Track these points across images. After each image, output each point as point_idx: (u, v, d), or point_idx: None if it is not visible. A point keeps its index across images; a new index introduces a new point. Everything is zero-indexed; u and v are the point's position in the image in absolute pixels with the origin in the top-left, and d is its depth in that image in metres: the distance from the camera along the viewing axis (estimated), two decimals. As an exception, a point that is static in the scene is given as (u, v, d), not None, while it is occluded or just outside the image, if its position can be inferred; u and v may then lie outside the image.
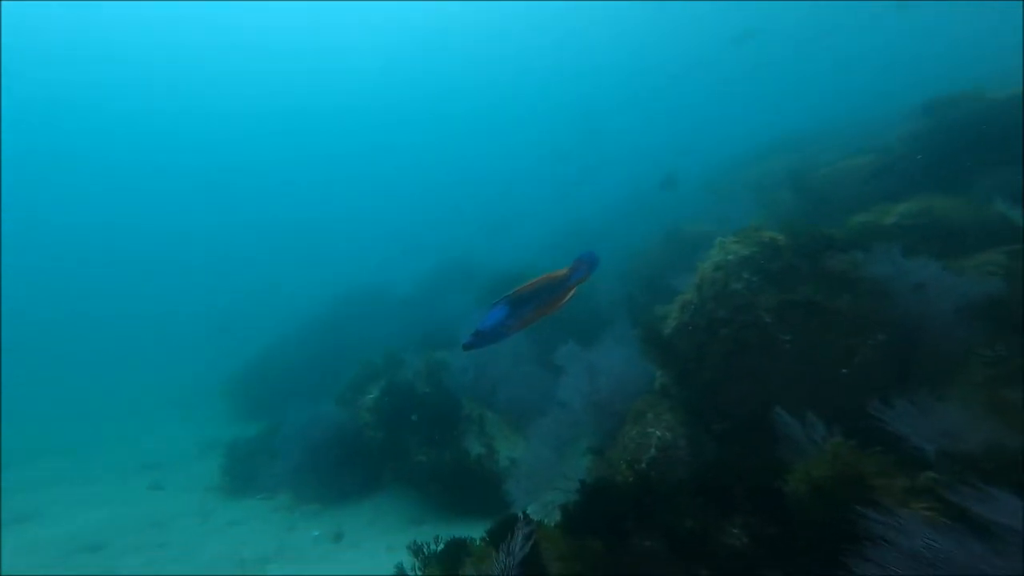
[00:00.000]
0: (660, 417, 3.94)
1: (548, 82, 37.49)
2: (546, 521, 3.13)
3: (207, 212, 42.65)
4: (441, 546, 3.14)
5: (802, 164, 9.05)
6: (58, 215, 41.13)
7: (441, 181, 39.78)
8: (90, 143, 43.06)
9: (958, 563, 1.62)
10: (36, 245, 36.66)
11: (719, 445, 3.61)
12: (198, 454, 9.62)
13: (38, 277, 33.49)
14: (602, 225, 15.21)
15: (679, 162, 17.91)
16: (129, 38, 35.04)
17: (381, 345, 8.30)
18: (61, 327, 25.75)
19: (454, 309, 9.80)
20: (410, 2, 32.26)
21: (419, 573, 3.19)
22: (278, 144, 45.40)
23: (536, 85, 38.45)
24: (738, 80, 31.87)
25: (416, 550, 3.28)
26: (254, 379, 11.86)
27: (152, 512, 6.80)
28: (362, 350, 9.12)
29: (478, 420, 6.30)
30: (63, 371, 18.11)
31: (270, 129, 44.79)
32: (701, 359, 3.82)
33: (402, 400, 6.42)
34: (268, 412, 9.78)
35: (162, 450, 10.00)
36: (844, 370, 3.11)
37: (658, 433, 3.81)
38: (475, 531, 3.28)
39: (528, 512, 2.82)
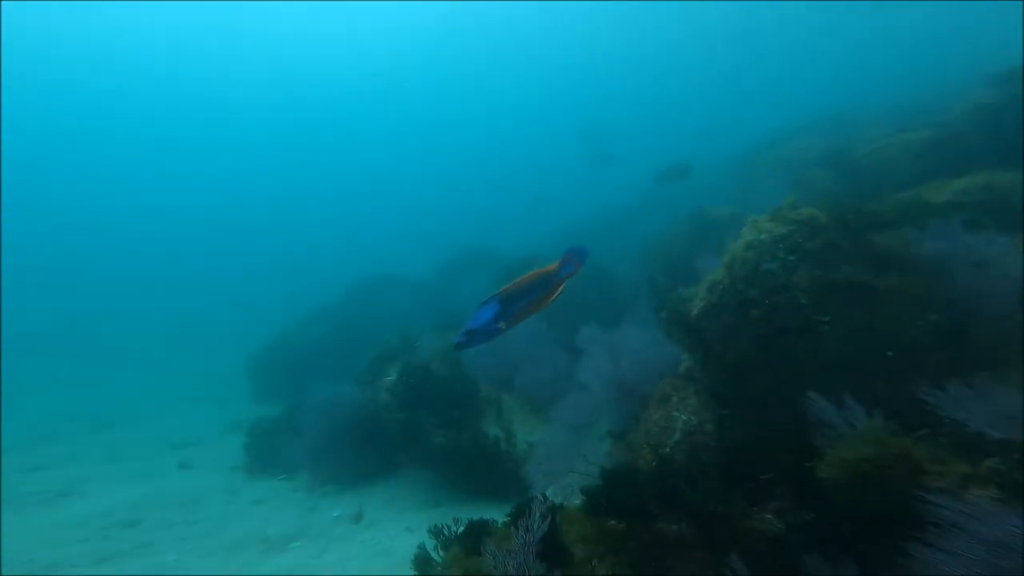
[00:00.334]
0: (685, 401, 3.80)
1: (570, 68, 36.64)
2: (566, 504, 3.05)
3: (224, 205, 43.58)
4: (462, 528, 3.09)
5: (842, 142, 8.50)
6: (59, 214, 42.35)
7: (464, 171, 39.77)
8: (93, 134, 43.73)
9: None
10: (35, 246, 37.87)
11: (748, 430, 3.45)
12: (223, 433, 9.85)
13: (47, 276, 34.70)
14: (624, 212, 14.82)
15: (700, 147, 17.32)
16: (129, 38, 34.99)
17: (397, 327, 8.30)
18: (87, 316, 26.65)
19: (470, 293, 9.72)
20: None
21: (441, 554, 3.16)
22: (295, 141, 45.79)
23: (559, 71, 37.62)
24: (757, 64, 30.60)
25: (437, 532, 3.25)
26: (275, 359, 12.03)
27: (182, 490, 7.08)
28: (380, 332, 9.15)
29: (496, 403, 6.25)
30: (91, 356, 18.86)
31: (286, 121, 44.99)
32: (730, 341, 3.65)
33: (419, 382, 6.40)
34: (289, 392, 9.91)
35: (188, 429, 10.27)
36: (889, 352, 2.91)
37: (683, 417, 3.68)
38: (492, 514, 3.22)
39: (548, 494, 2.73)
